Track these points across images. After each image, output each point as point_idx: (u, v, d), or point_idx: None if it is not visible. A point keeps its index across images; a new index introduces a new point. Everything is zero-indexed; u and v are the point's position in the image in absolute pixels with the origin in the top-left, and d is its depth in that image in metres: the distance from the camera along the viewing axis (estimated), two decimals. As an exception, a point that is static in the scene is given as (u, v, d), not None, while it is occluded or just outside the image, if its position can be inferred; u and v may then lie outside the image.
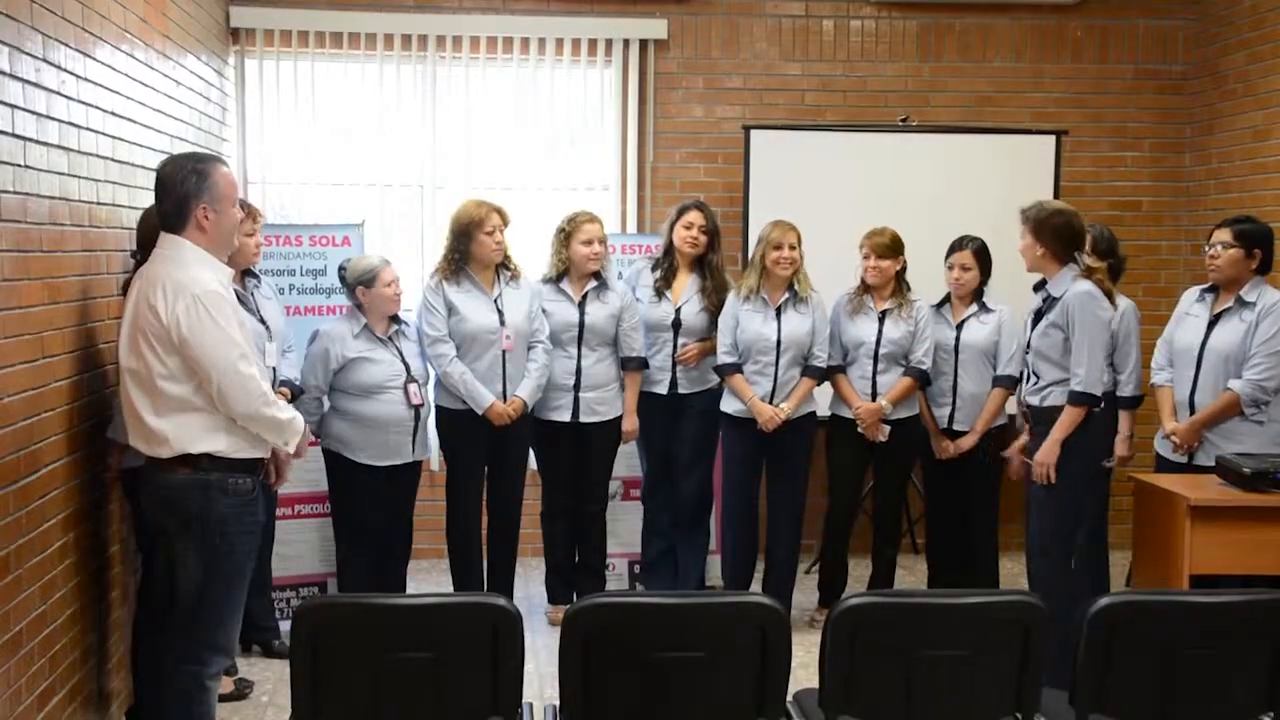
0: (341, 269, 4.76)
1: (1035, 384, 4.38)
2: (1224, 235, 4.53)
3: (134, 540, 3.97)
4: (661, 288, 5.18)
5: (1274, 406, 4.46)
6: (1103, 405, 4.33)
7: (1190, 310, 4.67)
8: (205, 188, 3.26)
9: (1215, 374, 4.50)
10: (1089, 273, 4.27)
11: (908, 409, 5.09)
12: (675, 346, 5.18)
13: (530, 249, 5.28)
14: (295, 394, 4.51)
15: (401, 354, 4.71)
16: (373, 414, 4.63)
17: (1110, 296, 4.30)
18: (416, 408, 4.68)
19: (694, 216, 5.15)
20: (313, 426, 4.64)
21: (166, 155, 4.37)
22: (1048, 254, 4.28)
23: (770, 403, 4.97)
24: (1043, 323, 4.32)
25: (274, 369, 4.36)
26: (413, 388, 4.68)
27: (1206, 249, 4.61)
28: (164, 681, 3.40)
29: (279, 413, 3.34)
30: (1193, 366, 4.56)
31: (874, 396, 5.04)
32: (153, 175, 4.16)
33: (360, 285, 4.63)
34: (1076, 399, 4.22)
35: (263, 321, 4.36)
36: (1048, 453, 4.27)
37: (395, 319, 4.75)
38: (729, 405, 5.10)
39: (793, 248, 4.95)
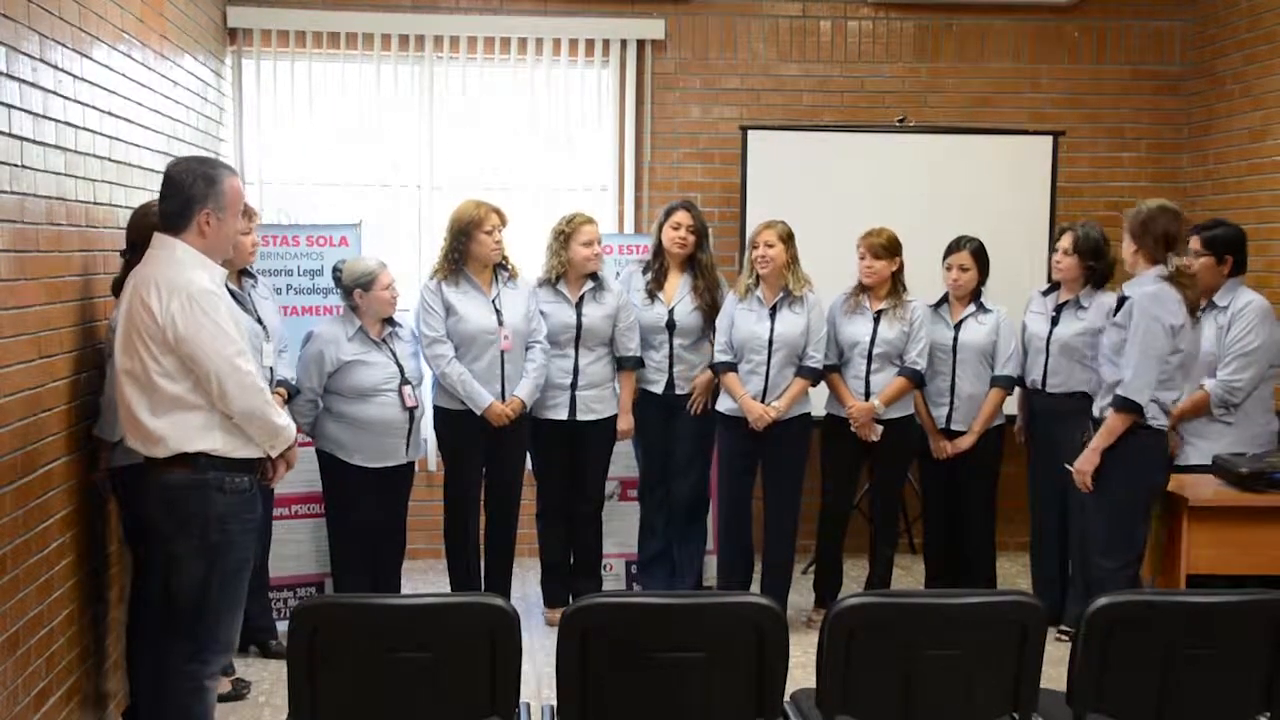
0: (336, 270, 4.75)
1: (1100, 389, 4.22)
2: (1194, 243, 4.60)
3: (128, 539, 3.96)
4: (653, 289, 5.19)
5: (1248, 405, 4.50)
6: (1150, 425, 4.03)
7: None
8: (212, 194, 3.26)
9: (1192, 377, 4.54)
10: (1176, 274, 3.99)
11: (902, 409, 5.09)
12: (671, 347, 5.18)
13: (528, 249, 5.27)
14: (292, 394, 4.51)
15: (395, 356, 4.70)
16: (367, 416, 4.63)
17: (1193, 305, 4.01)
18: (411, 410, 4.68)
19: (681, 217, 5.15)
20: (307, 428, 4.65)
21: (164, 155, 4.39)
22: (1143, 253, 4.09)
23: (762, 402, 4.98)
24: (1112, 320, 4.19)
25: (270, 369, 4.36)
26: (407, 390, 4.67)
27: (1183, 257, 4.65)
28: (162, 682, 3.39)
29: (276, 416, 3.34)
30: None
31: (867, 396, 5.03)
32: (150, 175, 4.20)
33: (358, 288, 4.62)
34: (1118, 403, 4.02)
35: (259, 321, 4.36)
36: (1085, 460, 4.13)
37: (389, 321, 4.75)
38: (723, 404, 5.11)
39: (770, 245, 4.93)
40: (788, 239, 4.96)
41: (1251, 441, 4.49)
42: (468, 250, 4.82)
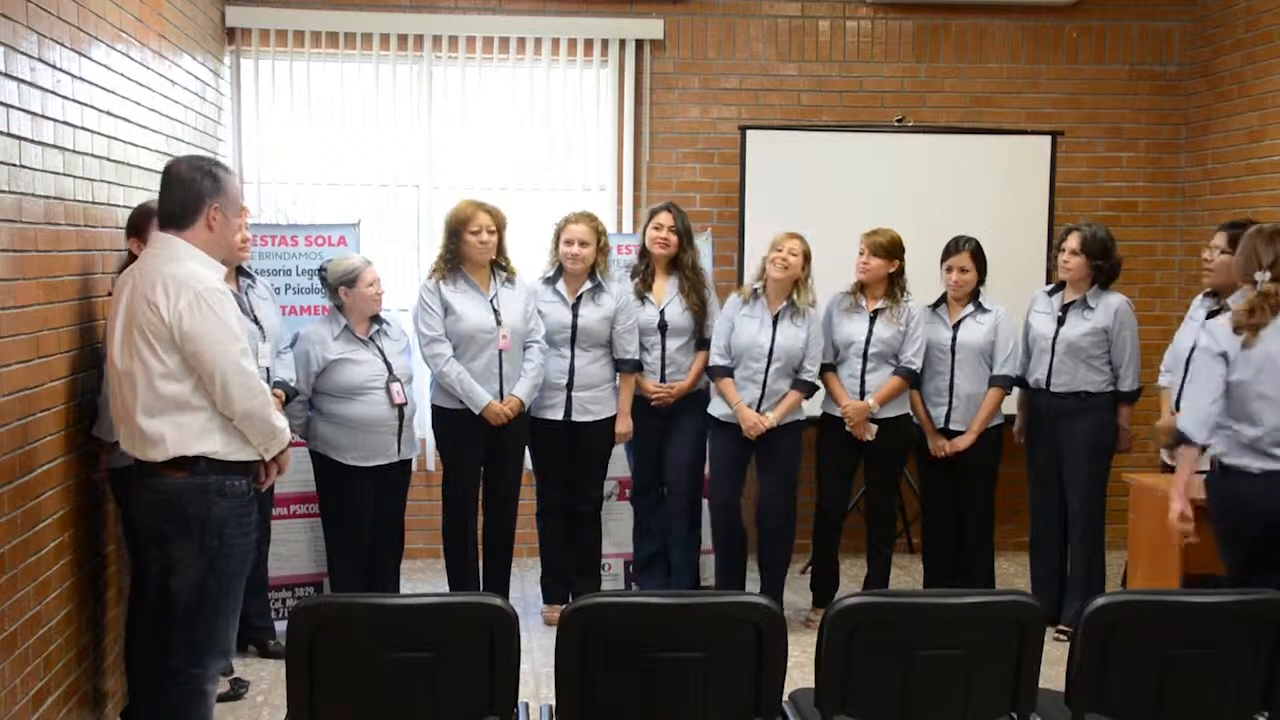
0: (321, 270, 4.75)
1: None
2: (1220, 240, 4.57)
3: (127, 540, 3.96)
4: (642, 291, 5.19)
5: None
6: (1224, 463, 3.70)
7: (1192, 314, 4.75)
8: (219, 189, 3.25)
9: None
10: (1262, 298, 3.64)
11: (897, 408, 5.10)
12: (664, 348, 5.18)
13: (526, 249, 5.27)
14: (290, 395, 4.50)
15: (383, 353, 4.70)
16: (356, 415, 4.62)
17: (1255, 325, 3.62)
18: (400, 406, 4.67)
19: (663, 218, 5.17)
20: (299, 429, 4.64)
21: (162, 155, 4.39)
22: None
23: (757, 410, 4.98)
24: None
25: (268, 370, 4.35)
26: (395, 387, 4.67)
27: (1204, 252, 4.66)
28: (161, 685, 3.38)
29: (275, 418, 3.33)
30: (1184, 370, 4.61)
31: (862, 395, 5.04)
32: (149, 175, 4.20)
33: (342, 285, 4.62)
34: (1173, 438, 3.82)
35: (256, 322, 4.35)
36: (1171, 511, 3.79)
37: (376, 318, 4.74)
38: (716, 409, 5.11)
39: (793, 254, 4.94)
40: (808, 257, 4.97)
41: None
42: (459, 250, 4.83)
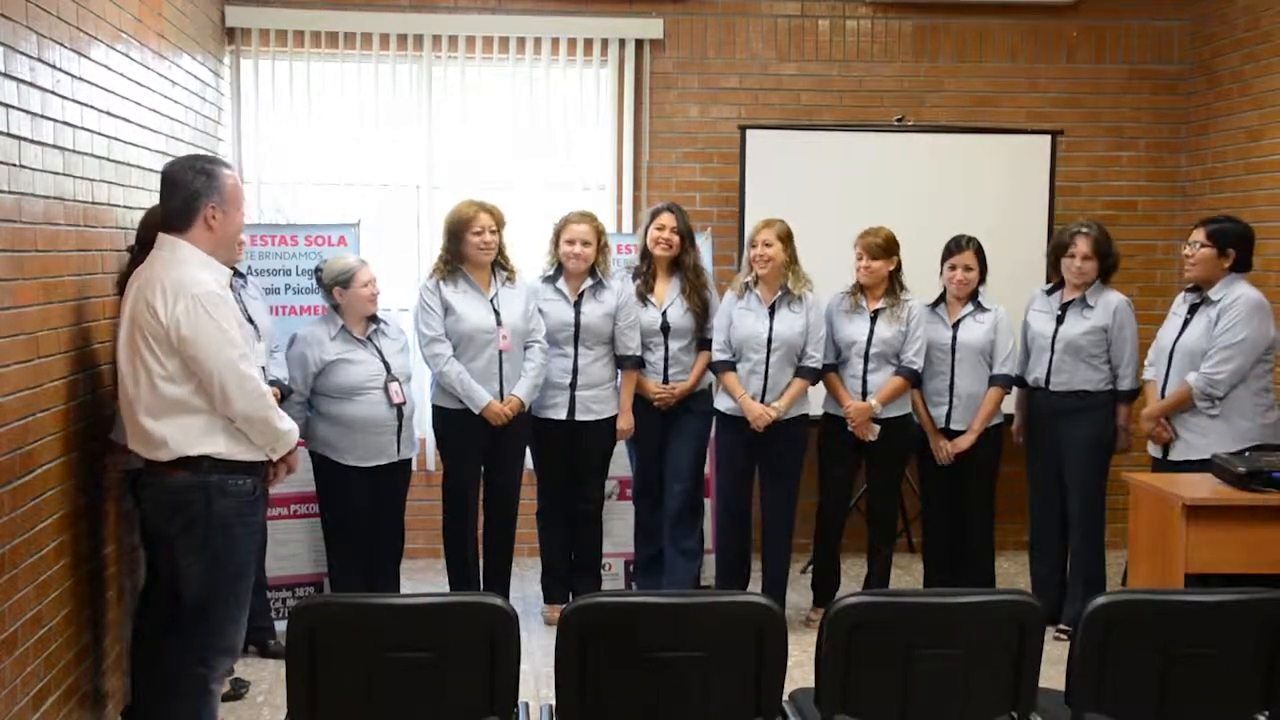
0: (317, 271, 4.75)
1: None
2: (1199, 235, 4.68)
3: (133, 541, 3.96)
4: (644, 292, 5.19)
5: (1235, 401, 4.53)
6: None
7: (1175, 309, 4.82)
8: (215, 187, 3.26)
9: (1180, 370, 4.65)
10: None
11: (899, 408, 5.10)
12: (667, 349, 5.17)
13: (526, 249, 5.27)
14: (285, 394, 4.50)
15: (381, 353, 4.69)
16: (354, 415, 4.61)
17: None
18: (399, 406, 4.67)
19: (665, 219, 5.16)
20: (299, 429, 4.63)
21: (162, 155, 4.39)
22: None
23: (761, 401, 4.98)
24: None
25: (263, 369, 4.34)
26: (394, 386, 4.66)
27: (1184, 248, 4.72)
28: (167, 684, 3.39)
29: (277, 420, 3.33)
30: (1166, 363, 4.69)
31: (864, 396, 5.04)
32: (148, 175, 4.19)
33: (337, 286, 4.61)
34: None
35: (250, 321, 4.35)
36: None
37: (373, 318, 4.73)
38: (722, 403, 5.11)
39: (768, 245, 4.95)
40: (786, 238, 4.97)
41: (1245, 436, 4.50)
42: (460, 251, 4.82)
